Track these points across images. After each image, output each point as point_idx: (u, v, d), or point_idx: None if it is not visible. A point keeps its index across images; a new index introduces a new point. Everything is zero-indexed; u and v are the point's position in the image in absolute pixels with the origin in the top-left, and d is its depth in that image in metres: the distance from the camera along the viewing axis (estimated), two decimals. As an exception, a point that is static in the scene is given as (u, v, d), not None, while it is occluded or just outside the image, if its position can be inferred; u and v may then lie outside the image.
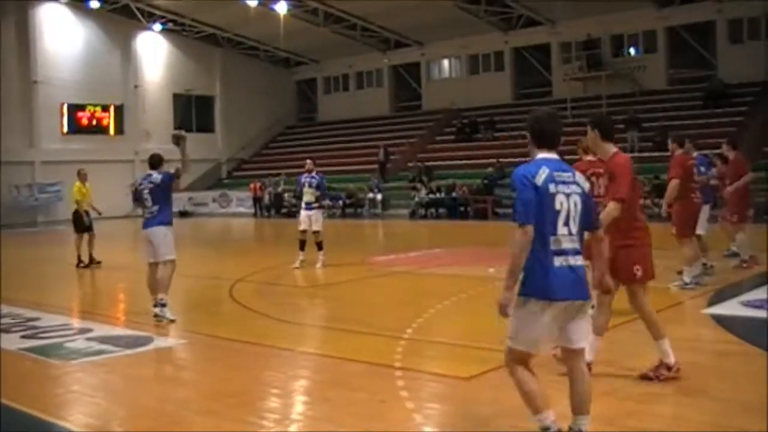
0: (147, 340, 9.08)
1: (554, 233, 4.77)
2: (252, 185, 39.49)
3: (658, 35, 36.98)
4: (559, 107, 36.69)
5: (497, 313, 4.77)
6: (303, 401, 6.82)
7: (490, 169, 33.17)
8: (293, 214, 37.31)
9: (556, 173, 4.83)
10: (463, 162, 35.94)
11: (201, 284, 14.47)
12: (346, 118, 46.11)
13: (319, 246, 15.66)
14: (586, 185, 5.00)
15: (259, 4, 37.28)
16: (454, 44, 41.85)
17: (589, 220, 5.00)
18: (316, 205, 15.86)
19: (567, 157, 5.17)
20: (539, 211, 4.73)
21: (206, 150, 44.78)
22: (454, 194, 32.60)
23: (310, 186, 15.89)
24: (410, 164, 37.81)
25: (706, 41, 36.03)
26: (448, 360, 7.95)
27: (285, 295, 13.08)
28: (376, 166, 38.52)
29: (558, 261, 4.75)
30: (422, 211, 33.26)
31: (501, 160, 33.94)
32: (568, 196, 4.82)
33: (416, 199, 33.57)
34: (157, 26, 43.14)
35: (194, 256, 18.19)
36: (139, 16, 41.70)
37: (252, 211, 39.35)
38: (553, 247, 4.75)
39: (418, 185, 34.18)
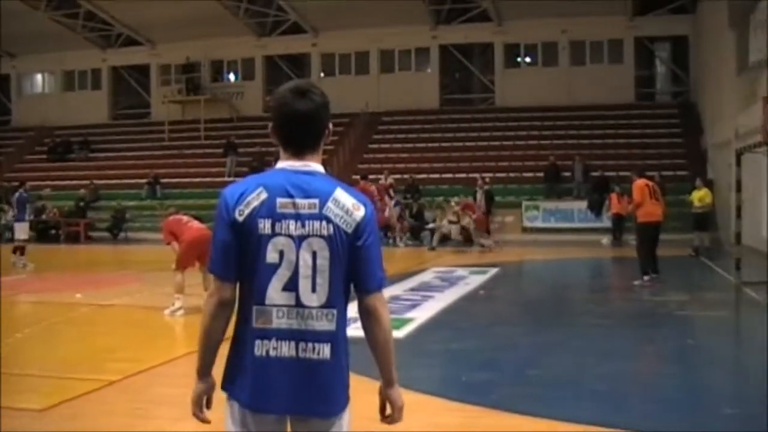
0: None
1: (261, 301, 2.90)
2: None
3: (257, 63, 38.24)
4: (157, 129, 36.69)
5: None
6: None
7: (82, 191, 32.11)
8: None
9: (281, 199, 2.90)
10: (56, 183, 34.34)
11: None
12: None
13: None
14: (358, 215, 2.93)
15: None
16: (49, 58, 39.87)
17: (357, 277, 2.97)
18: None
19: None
20: (242, 262, 2.92)
21: None
22: (43, 216, 30.97)
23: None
24: (-4, 184, 35.42)
25: (302, 72, 37.91)
26: (22, 392, 7.43)
27: None
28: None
29: (261, 348, 2.90)
30: (9, 234, 31.15)
31: (95, 181, 33.16)
32: (299, 240, 2.89)
33: (2, 221, 31.41)
34: None
35: None
36: None
37: None
38: (256, 324, 2.90)
39: (5, 207, 32.00)
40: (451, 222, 23.95)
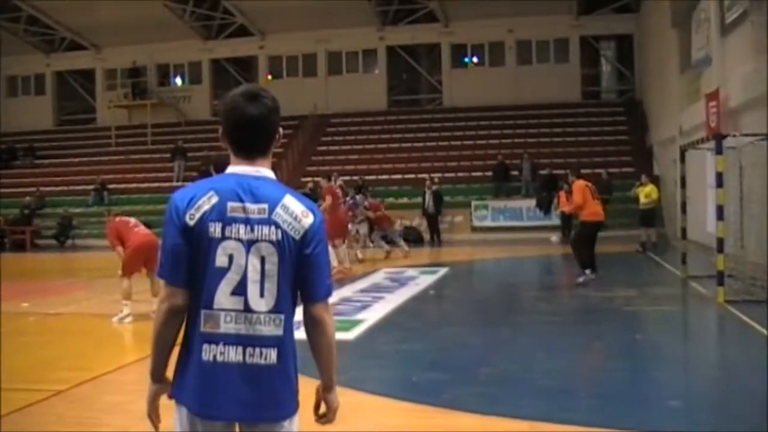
0: None
1: (209, 305, 2.88)
2: None
3: (203, 66, 37.99)
4: (104, 135, 36.24)
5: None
6: None
7: (28, 198, 31.61)
8: None
9: (232, 203, 2.90)
10: (0, 190, 33.75)
11: None
12: None
13: None
14: (306, 222, 2.94)
15: None
16: (-10, 64, 39.27)
17: (305, 286, 2.99)
18: None
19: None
20: (193, 267, 2.90)
21: None
22: (-12, 225, 30.49)
23: None
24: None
25: (250, 75, 37.72)
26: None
27: None
28: None
29: (208, 352, 2.88)
30: (-47, 243, 30.63)
31: (41, 189, 32.63)
32: (248, 244, 2.88)
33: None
34: None
35: None
36: None
37: None
38: (204, 328, 2.88)
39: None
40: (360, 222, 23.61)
